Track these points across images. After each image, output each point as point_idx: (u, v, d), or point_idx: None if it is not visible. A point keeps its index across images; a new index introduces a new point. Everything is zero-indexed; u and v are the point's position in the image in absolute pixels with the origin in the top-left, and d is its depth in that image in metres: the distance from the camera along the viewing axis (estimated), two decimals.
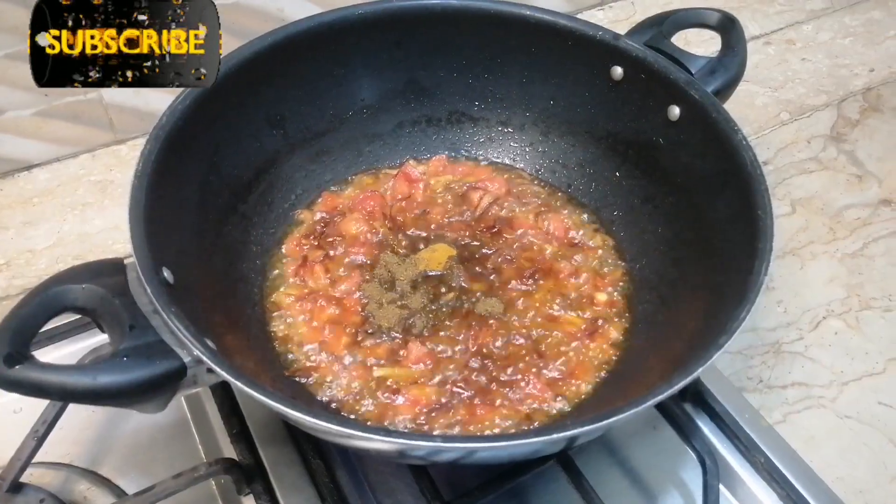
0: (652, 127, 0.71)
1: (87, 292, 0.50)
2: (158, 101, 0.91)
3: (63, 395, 0.49)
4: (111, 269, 0.52)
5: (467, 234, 0.75)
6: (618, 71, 0.72)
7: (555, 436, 0.46)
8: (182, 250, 0.59)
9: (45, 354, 0.66)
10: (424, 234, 0.75)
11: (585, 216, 0.78)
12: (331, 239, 0.74)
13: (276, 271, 0.72)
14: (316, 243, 0.73)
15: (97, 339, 0.69)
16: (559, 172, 0.80)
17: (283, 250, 0.73)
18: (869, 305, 0.81)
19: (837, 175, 0.95)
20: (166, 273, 0.53)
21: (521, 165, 0.82)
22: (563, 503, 0.62)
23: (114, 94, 0.89)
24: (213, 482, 0.63)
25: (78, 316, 0.67)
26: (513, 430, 0.61)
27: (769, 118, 1.01)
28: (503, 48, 0.76)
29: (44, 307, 0.49)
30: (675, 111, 0.68)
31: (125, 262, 0.53)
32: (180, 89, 0.62)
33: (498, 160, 0.82)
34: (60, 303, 0.50)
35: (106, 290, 0.50)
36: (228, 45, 0.69)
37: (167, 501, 0.58)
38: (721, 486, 0.62)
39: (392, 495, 0.62)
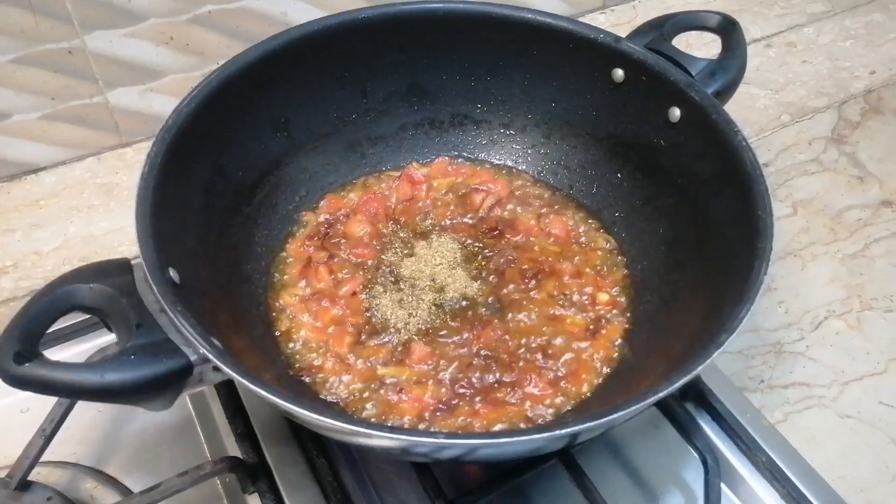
0: (653, 129, 0.72)
1: (95, 292, 0.51)
2: (163, 104, 0.92)
3: (71, 393, 0.50)
4: (118, 269, 0.53)
5: (470, 235, 0.76)
6: (619, 73, 0.73)
7: (557, 432, 0.46)
8: (187, 251, 0.60)
9: (53, 354, 0.66)
10: (427, 236, 0.76)
11: (587, 217, 0.78)
12: (335, 240, 0.74)
13: (281, 272, 0.72)
14: (320, 244, 0.74)
15: (104, 339, 0.69)
16: (561, 174, 0.81)
17: (288, 251, 0.74)
18: (870, 306, 0.81)
19: (838, 176, 0.95)
20: (172, 273, 0.54)
21: (523, 167, 0.83)
22: (566, 501, 0.62)
23: (119, 98, 0.90)
24: (219, 480, 0.63)
25: (85, 316, 0.68)
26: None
27: (770, 120, 1.02)
28: (505, 51, 0.77)
29: (52, 306, 0.50)
30: (675, 113, 0.69)
31: (132, 262, 0.54)
32: (186, 92, 0.63)
33: (500, 162, 0.83)
34: (69, 302, 0.50)
35: (113, 290, 0.51)
36: (233, 48, 0.70)
37: (172, 500, 0.59)
38: (722, 485, 0.62)
39: (395, 493, 0.62)
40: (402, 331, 0.67)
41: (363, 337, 0.67)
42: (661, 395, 0.49)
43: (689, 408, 0.68)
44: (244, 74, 0.67)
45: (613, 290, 0.72)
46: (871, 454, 0.69)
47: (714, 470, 0.61)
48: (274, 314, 0.69)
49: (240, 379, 0.48)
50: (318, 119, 0.76)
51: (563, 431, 0.47)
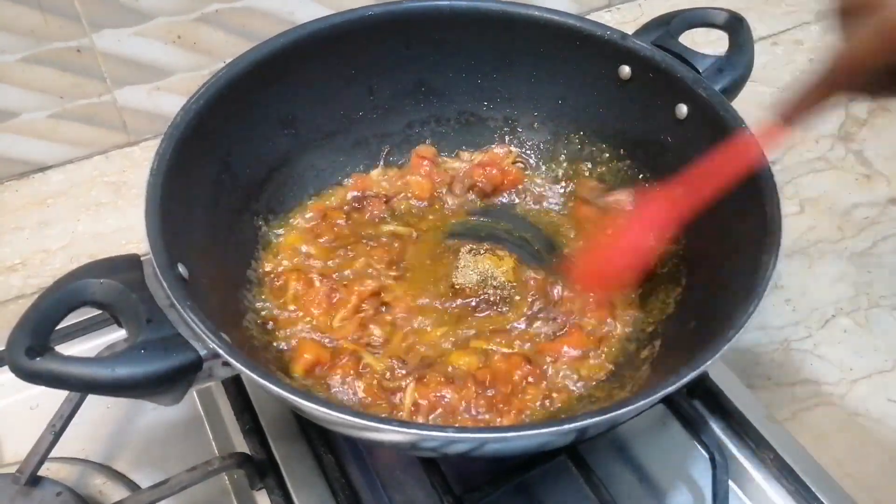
0: (660, 125, 0.72)
1: (106, 287, 0.51)
2: (170, 103, 0.92)
3: (83, 386, 0.50)
4: (128, 265, 0.53)
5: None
6: (626, 70, 0.73)
7: (564, 426, 0.46)
8: (196, 247, 0.60)
9: (63, 350, 0.66)
10: None
11: None
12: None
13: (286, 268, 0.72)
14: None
15: (114, 335, 0.70)
16: None
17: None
18: (878, 304, 0.81)
19: (846, 174, 0.95)
20: (181, 269, 0.54)
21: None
22: (573, 498, 0.62)
23: (127, 97, 0.90)
24: (227, 477, 0.63)
25: (94, 313, 0.69)
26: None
27: None
28: (511, 48, 0.77)
29: (63, 301, 0.50)
30: (682, 109, 0.69)
31: (141, 258, 0.54)
32: (193, 91, 0.63)
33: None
34: (79, 297, 0.51)
35: (123, 285, 0.51)
36: (240, 47, 0.70)
37: (180, 496, 0.59)
38: (730, 482, 0.62)
39: (402, 490, 0.63)
40: None
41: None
42: (668, 390, 0.49)
43: (697, 405, 0.68)
44: (251, 72, 0.68)
45: None
46: (880, 452, 0.69)
47: (722, 467, 0.61)
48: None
49: (248, 373, 0.48)
50: (325, 116, 0.77)
51: (571, 426, 0.47)
